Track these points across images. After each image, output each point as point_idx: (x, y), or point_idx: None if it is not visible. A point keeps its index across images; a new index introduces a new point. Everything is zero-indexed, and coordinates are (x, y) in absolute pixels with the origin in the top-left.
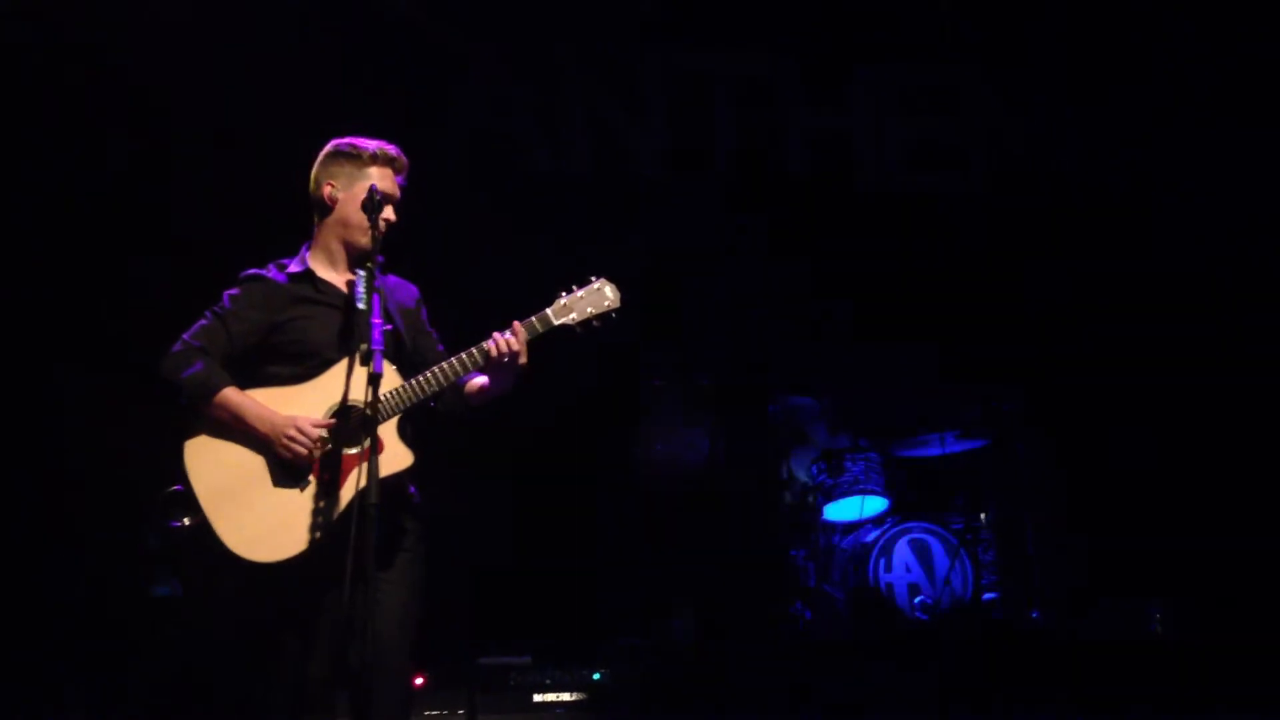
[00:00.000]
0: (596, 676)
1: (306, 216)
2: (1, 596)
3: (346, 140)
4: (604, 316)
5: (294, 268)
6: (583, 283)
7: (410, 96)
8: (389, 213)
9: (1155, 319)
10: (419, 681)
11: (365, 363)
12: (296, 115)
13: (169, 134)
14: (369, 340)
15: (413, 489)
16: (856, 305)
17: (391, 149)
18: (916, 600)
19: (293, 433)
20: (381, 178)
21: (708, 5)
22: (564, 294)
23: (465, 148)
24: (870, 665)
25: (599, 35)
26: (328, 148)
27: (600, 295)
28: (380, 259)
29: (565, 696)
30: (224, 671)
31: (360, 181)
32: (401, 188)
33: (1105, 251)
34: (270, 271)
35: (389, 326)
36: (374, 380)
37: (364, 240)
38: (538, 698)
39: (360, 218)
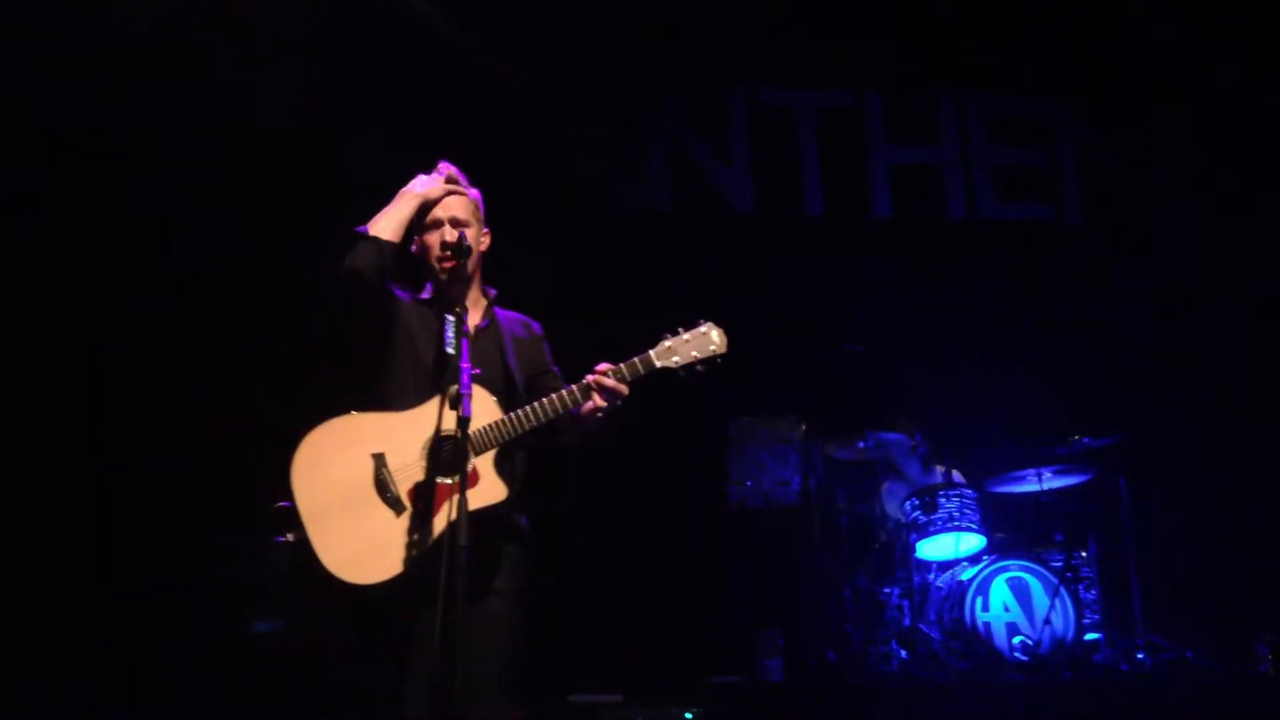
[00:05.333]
0: (688, 716)
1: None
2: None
3: None
4: (709, 361)
5: (424, 295)
6: (689, 325)
7: (494, 138)
8: (448, 233)
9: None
10: None
11: (454, 407)
12: (382, 161)
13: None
14: (458, 384)
15: (524, 519)
16: (949, 339)
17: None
18: (1015, 641)
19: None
20: (438, 205)
21: (790, 40)
22: (668, 335)
23: (550, 188)
24: (970, 708)
25: (682, 72)
26: None
27: (705, 339)
28: (493, 292)
29: None
30: (327, 703)
31: (423, 216)
32: (457, 204)
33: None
34: (399, 290)
35: (478, 370)
36: (462, 424)
37: (436, 269)
38: None
39: (429, 249)
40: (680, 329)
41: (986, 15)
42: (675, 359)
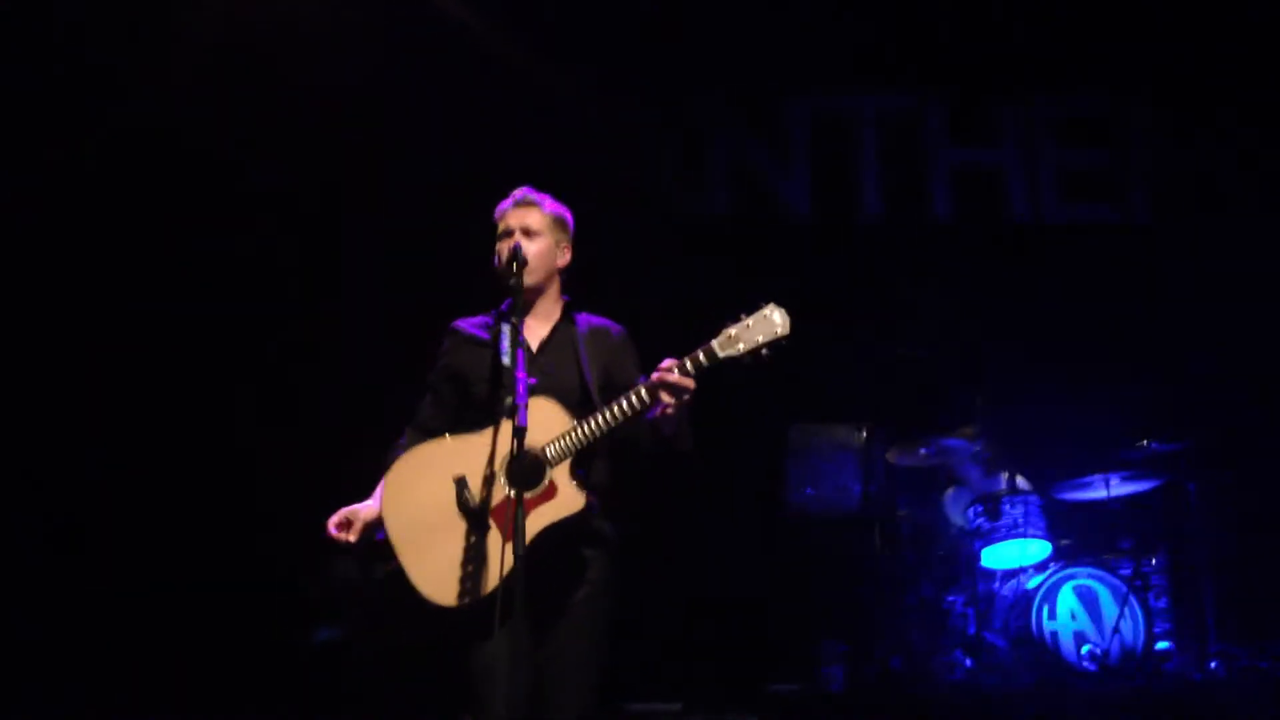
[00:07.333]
0: None
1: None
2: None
3: None
4: (774, 345)
5: (503, 307)
6: (751, 310)
7: (552, 147)
8: (504, 245)
9: None
10: None
11: (510, 416)
12: (451, 182)
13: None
14: (514, 394)
15: (610, 526)
16: (1013, 343)
17: (518, 192)
18: (1083, 650)
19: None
20: (503, 217)
21: (848, 44)
22: (731, 323)
23: (609, 194)
24: (1037, 718)
25: (741, 78)
26: None
27: (769, 323)
28: (566, 298)
29: None
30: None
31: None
32: (530, 216)
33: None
34: (461, 324)
35: (534, 380)
36: (519, 434)
37: (502, 279)
38: None
39: (500, 259)
40: (742, 315)
41: (1047, 15)
42: (740, 346)
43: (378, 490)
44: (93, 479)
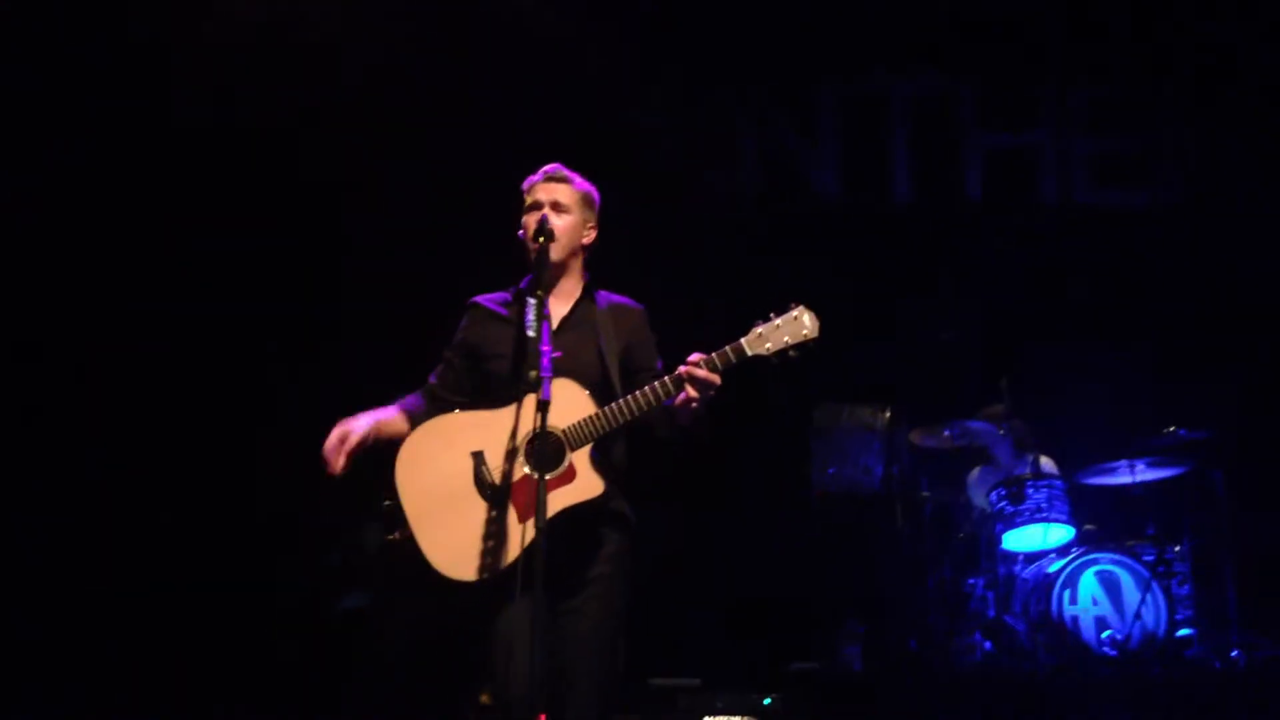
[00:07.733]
0: (767, 701)
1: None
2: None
3: None
4: (801, 347)
5: (523, 284)
6: (781, 310)
7: (585, 129)
8: (531, 218)
9: None
10: None
11: (534, 389)
12: (477, 155)
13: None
14: (538, 368)
15: (628, 507)
16: (1040, 326)
17: (549, 167)
18: (1104, 635)
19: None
20: (531, 190)
21: (879, 27)
22: (760, 322)
23: (640, 178)
24: (1056, 702)
25: (772, 61)
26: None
27: (798, 324)
28: (587, 276)
29: None
30: (414, 684)
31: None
32: (560, 190)
33: None
34: (481, 299)
35: (558, 354)
36: (542, 407)
37: (527, 251)
38: None
39: (526, 231)
40: (771, 314)
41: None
42: (768, 346)
43: (369, 413)
44: (93, 479)
